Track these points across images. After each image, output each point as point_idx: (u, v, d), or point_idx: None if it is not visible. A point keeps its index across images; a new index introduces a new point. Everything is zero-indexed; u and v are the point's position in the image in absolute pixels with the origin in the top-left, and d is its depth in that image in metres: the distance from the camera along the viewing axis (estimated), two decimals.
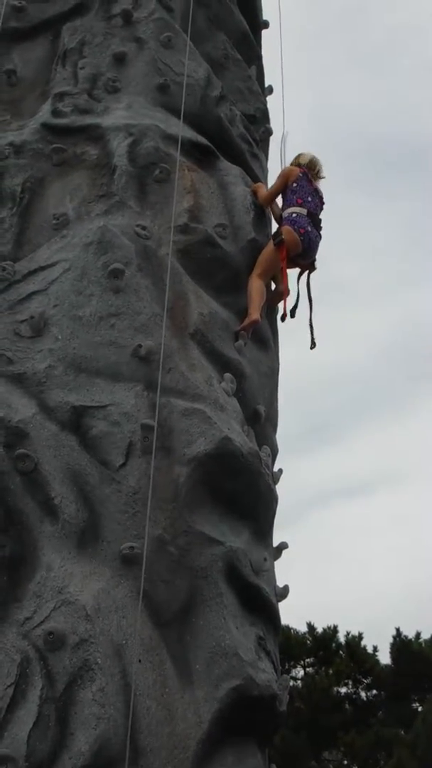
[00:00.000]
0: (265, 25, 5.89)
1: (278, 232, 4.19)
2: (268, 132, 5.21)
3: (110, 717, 2.83)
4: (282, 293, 4.33)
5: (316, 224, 4.29)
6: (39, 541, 3.21)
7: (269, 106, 5.37)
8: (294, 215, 4.21)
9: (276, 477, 4.01)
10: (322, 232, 4.34)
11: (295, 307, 4.30)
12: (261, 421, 3.98)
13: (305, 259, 4.31)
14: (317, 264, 4.39)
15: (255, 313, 3.95)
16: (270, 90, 5.54)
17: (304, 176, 4.37)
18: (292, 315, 4.28)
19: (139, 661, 2.98)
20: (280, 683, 3.38)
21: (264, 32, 5.86)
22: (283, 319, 4.30)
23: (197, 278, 3.91)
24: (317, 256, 4.37)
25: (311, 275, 4.41)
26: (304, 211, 4.23)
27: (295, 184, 4.33)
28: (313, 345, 4.30)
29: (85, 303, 3.65)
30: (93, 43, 4.58)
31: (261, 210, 4.47)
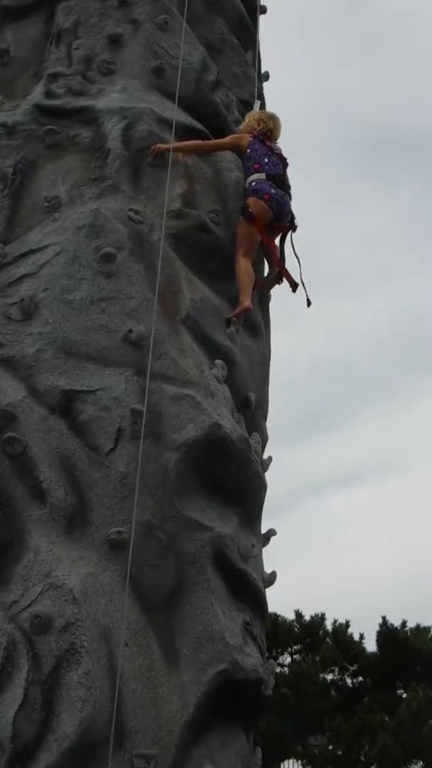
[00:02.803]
0: (263, 10, 5.82)
1: (245, 206, 4.08)
2: None
3: (96, 699, 2.84)
4: (273, 281, 4.30)
5: (280, 184, 4.17)
6: (27, 524, 3.21)
7: (266, 92, 5.33)
8: (254, 183, 4.12)
9: (265, 464, 4.02)
10: (291, 192, 4.22)
11: (285, 271, 4.19)
12: (251, 408, 3.98)
13: (280, 222, 4.19)
14: (297, 222, 4.25)
15: (246, 300, 3.93)
16: (266, 76, 5.49)
17: (256, 139, 4.26)
18: (291, 285, 4.16)
19: (126, 644, 2.99)
20: (266, 668, 3.41)
21: (263, 18, 5.79)
22: (294, 289, 4.15)
23: (190, 264, 3.89)
24: (295, 215, 4.23)
25: (293, 235, 4.26)
26: (263, 176, 4.12)
27: (248, 150, 4.21)
28: (309, 303, 4.18)
29: (76, 287, 3.63)
30: (88, 24, 4.52)
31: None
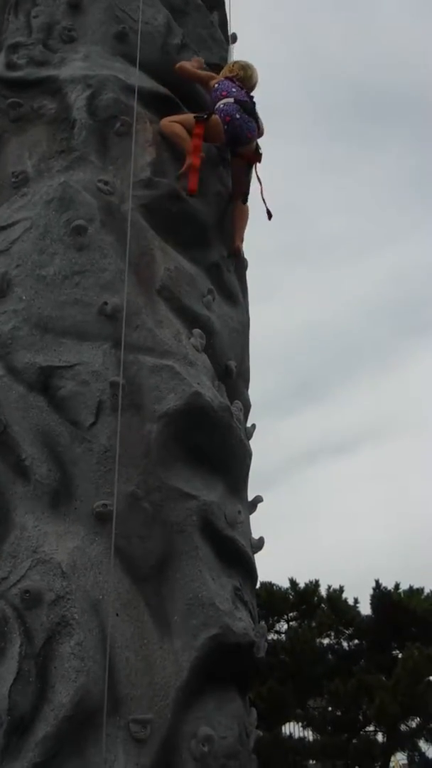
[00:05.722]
0: None
1: (206, 112, 4.18)
2: None
3: (89, 669, 2.87)
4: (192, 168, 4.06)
5: (249, 111, 4.29)
6: (11, 502, 3.21)
7: (237, 55, 5.22)
8: (222, 105, 4.23)
9: (249, 432, 4.02)
10: (261, 122, 4.36)
11: (246, 194, 4.39)
12: (232, 376, 3.98)
13: (242, 146, 4.28)
14: (262, 152, 4.39)
15: (196, 158, 3.91)
16: (234, 38, 5.37)
17: (225, 79, 4.40)
18: (244, 201, 4.38)
19: (117, 615, 3.01)
20: (257, 631, 3.45)
21: None
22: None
23: (163, 233, 3.84)
24: (260, 145, 4.38)
25: (258, 165, 4.39)
26: (231, 99, 4.25)
27: (216, 85, 4.36)
28: (269, 216, 4.39)
29: (48, 262, 3.58)
30: None
31: (225, 162, 4.38)
